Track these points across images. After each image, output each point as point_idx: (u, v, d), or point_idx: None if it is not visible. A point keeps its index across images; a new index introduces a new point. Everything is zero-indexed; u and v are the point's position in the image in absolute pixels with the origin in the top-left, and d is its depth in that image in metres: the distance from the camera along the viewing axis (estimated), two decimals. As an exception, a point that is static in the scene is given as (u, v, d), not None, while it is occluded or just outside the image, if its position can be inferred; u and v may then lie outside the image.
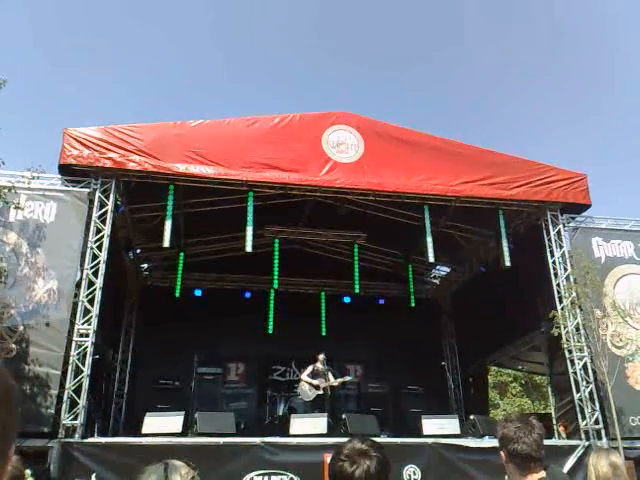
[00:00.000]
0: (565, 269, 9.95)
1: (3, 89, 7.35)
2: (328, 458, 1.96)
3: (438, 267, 14.97)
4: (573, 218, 10.52)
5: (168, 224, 9.24)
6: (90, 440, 7.63)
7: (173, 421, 8.13)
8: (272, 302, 13.29)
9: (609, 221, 10.74)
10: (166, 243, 9.19)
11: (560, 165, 10.59)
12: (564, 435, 9.40)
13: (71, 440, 7.37)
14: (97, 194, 8.86)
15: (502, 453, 2.49)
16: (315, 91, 67.20)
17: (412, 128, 10.48)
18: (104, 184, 8.97)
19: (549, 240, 10.22)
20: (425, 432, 8.86)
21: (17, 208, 8.24)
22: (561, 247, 10.14)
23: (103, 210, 8.85)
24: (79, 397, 7.70)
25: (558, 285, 9.86)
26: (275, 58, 65.31)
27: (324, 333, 13.55)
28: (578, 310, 9.44)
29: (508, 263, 10.13)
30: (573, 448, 8.57)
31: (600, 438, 8.83)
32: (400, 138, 10.10)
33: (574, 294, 9.42)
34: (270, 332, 12.91)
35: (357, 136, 9.89)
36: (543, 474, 2.35)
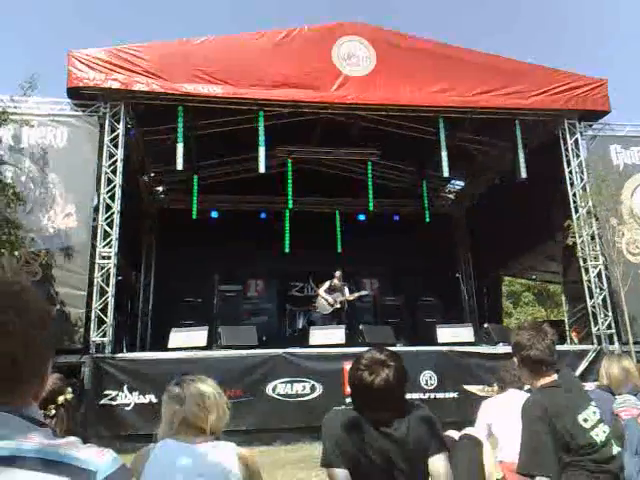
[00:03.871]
0: (581, 178, 9.82)
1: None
2: (348, 366, 2.06)
3: (453, 181, 14.83)
4: (591, 126, 10.24)
5: (180, 146, 9.20)
6: (120, 355, 8.03)
7: (198, 335, 8.45)
8: (287, 222, 13.37)
9: (628, 127, 10.40)
10: (179, 166, 9.20)
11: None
12: (576, 341, 9.64)
13: (102, 355, 7.74)
14: (107, 118, 8.78)
15: (515, 359, 2.60)
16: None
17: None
18: (113, 107, 8.86)
19: (566, 149, 10.00)
20: (440, 340, 9.11)
21: (27, 124, 8.21)
22: (578, 156, 9.95)
23: (114, 134, 8.79)
24: (106, 316, 8.01)
25: (574, 195, 9.77)
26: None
27: (339, 250, 13.71)
28: (594, 219, 9.41)
29: (524, 174, 9.99)
30: (585, 352, 8.82)
31: (612, 343, 9.05)
32: (413, 47, 9.71)
33: (590, 203, 9.35)
34: (287, 251, 13.09)
35: (368, 47, 9.52)
36: (555, 377, 2.47)
